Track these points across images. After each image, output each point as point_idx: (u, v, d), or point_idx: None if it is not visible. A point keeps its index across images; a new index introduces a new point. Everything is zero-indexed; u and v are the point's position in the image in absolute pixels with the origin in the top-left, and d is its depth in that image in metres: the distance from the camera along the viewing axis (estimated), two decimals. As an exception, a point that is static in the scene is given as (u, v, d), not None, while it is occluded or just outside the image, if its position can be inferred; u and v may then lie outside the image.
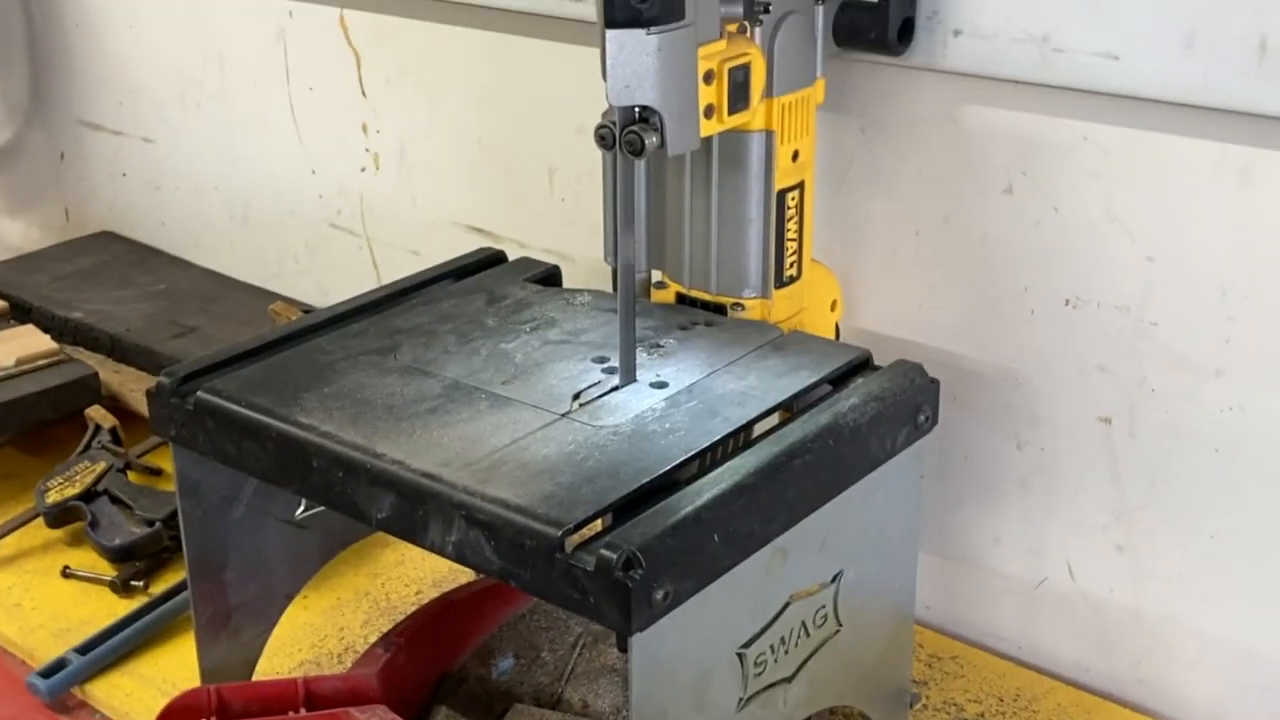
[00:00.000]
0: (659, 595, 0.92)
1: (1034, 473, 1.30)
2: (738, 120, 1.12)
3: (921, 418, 1.12)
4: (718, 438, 1.02)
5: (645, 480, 0.97)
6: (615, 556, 0.90)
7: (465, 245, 1.63)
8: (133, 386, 1.68)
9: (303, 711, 1.19)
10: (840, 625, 1.11)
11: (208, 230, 1.94)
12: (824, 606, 1.09)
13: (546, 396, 1.09)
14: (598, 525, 0.95)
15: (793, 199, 1.21)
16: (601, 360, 1.14)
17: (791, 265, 1.23)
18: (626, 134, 1.03)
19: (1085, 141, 1.18)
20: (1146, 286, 1.18)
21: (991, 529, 1.35)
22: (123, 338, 1.75)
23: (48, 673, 1.31)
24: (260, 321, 1.78)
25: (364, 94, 1.68)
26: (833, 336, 1.31)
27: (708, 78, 1.07)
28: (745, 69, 1.10)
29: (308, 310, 1.75)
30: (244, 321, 1.78)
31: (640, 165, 1.08)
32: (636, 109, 1.04)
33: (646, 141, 1.03)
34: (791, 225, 1.21)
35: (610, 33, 1.00)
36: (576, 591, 0.92)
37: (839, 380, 1.13)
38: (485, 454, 1.01)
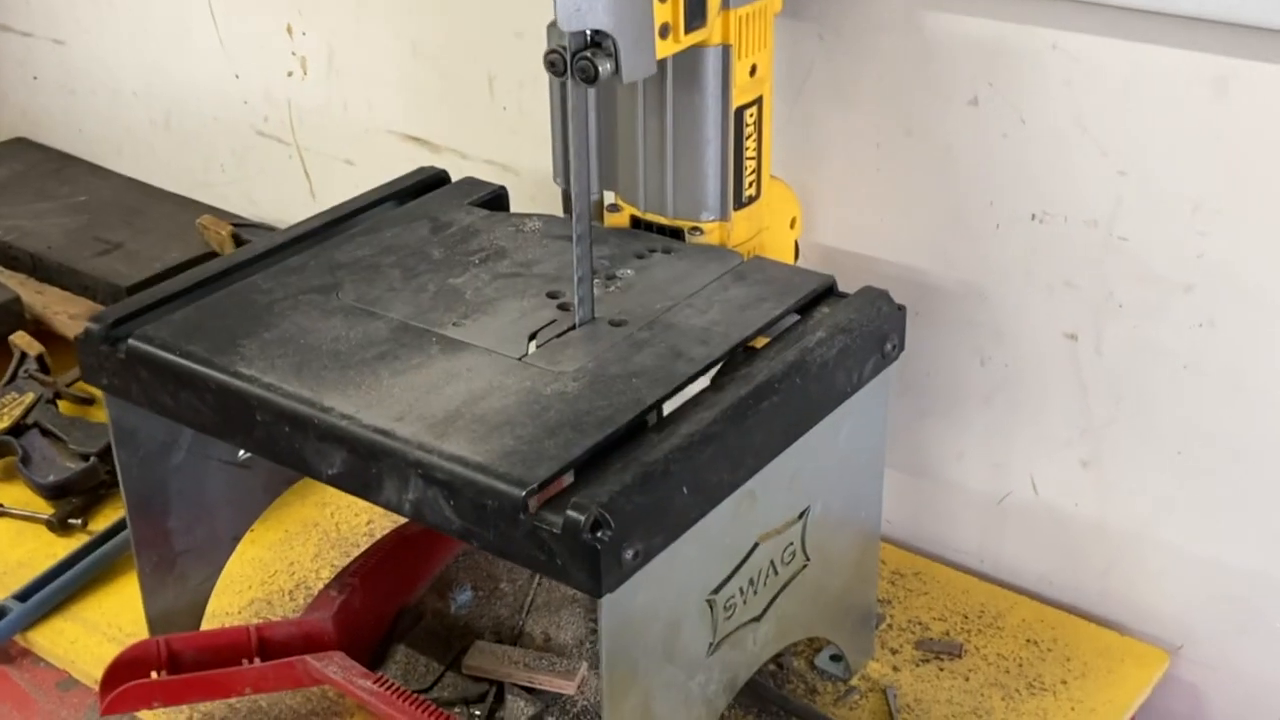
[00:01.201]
0: (628, 555, 0.88)
1: (998, 388, 1.27)
2: (696, 38, 1.06)
3: (889, 346, 1.08)
4: (682, 381, 0.98)
5: (610, 431, 0.93)
6: (583, 518, 0.86)
7: (401, 155, 1.57)
8: (58, 309, 1.61)
9: (257, 660, 1.16)
10: (808, 559, 1.08)
11: (127, 137, 1.85)
12: (792, 544, 1.06)
13: (500, 338, 1.04)
14: (562, 480, 0.92)
15: (751, 116, 1.15)
16: (555, 295, 1.09)
17: (750, 185, 1.18)
18: (579, 60, 0.97)
19: (1054, 50, 1.13)
20: (1116, 200, 1.15)
21: (955, 444, 1.32)
22: (44, 256, 1.67)
23: (-13, 622, 1.27)
24: (189, 235, 1.70)
25: (288, -7, 1.60)
26: (792, 255, 1.26)
27: (662, -4, 1.01)
28: (701, -17, 1.04)
29: (239, 223, 1.68)
30: (171, 235, 1.71)
31: (593, 92, 1.02)
32: (588, 33, 0.98)
33: (600, 68, 0.97)
34: (750, 144, 1.16)
35: (559, -47, 0.94)
36: (542, 553, 0.88)
37: (803, 310, 1.09)
38: (440, 406, 0.96)
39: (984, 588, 1.32)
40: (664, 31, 1.02)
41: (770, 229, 1.22)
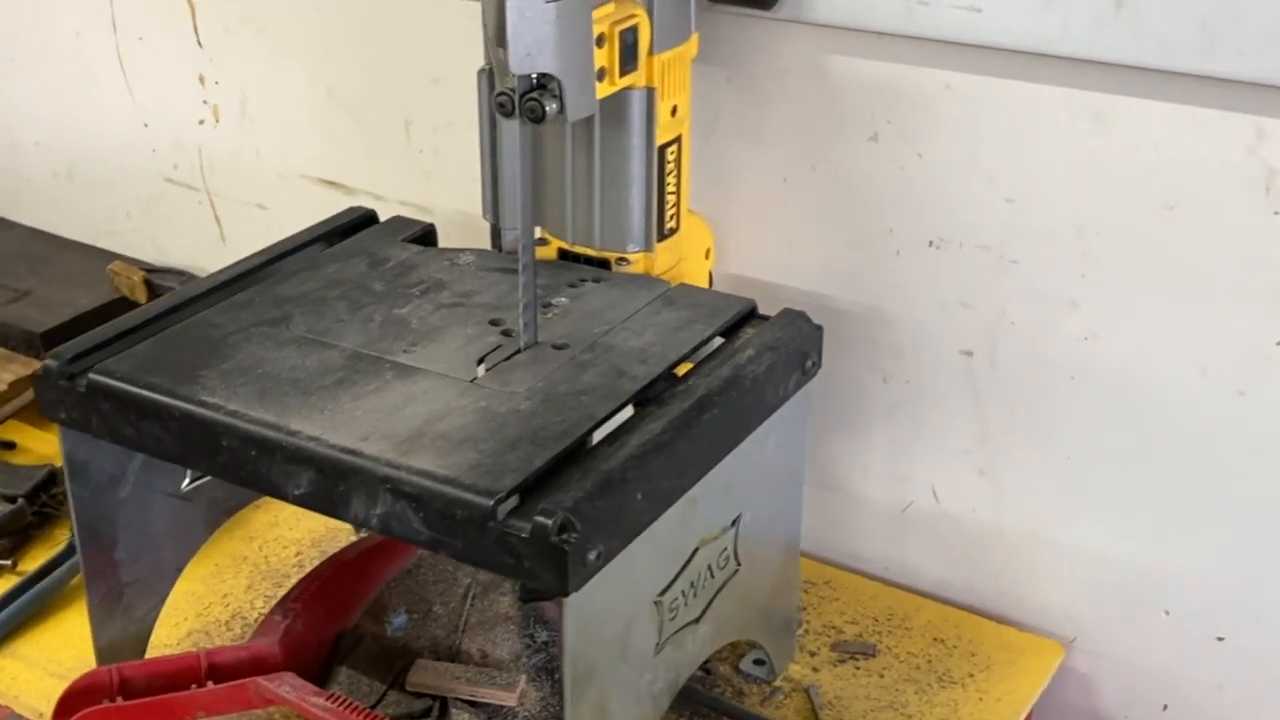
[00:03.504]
0: (592, 555, 0.95)
1: (900, 404, 1.37)
2: (627, 81, 1.14)
3: (809, 363, 1.17)
4: (628, 396, 1.05)
5: (568, 444, 1.00)
6: (551, 522, 0.92)
7: (316, 198, 1.62)
8: (-29, 356, 1.63)
9: (209, 685, 1.19)
10: (739, 564, 1.16)
11: (26, 187, 1.87)
12: (726, 549, 1.13)
13: (451, 363, 1.10)
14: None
15: (672, 153, 1.23)
16: (498, 323, 1.16)
17: (671, 218, 1.25)
18: (526, 101, 1.04)
19: (948, 90, 1.23)
20: (1006, 227, 1.25)
21: (860, 458, 1.41)
22: (-47, 305, 1.69)
23: (-74, 662, 1.28)
24: (98, 282, 1.73)
25: (200, 44, 1.64)
26: (707, 284, 1.34)
27: (599, 41, 1.09)
28: (634, 30, 1.12)
29: (150, 269, 1.71)
30: (80, 283, 1.73)
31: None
32: (534, 76, 1.05)
33: (547, 108, 1.04)
34: (671, 179, 1.24)
35: (510, 0, 1.01)
36: (511, 557, 0.94)
37: (728, 331, 1.17)
38: (403, 425, 1.02)
39: (891, 593, 1.41)
40: (600, 75, 1.10)
41: (688, 259, 1.30)
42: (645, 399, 1.07)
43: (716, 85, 1.33)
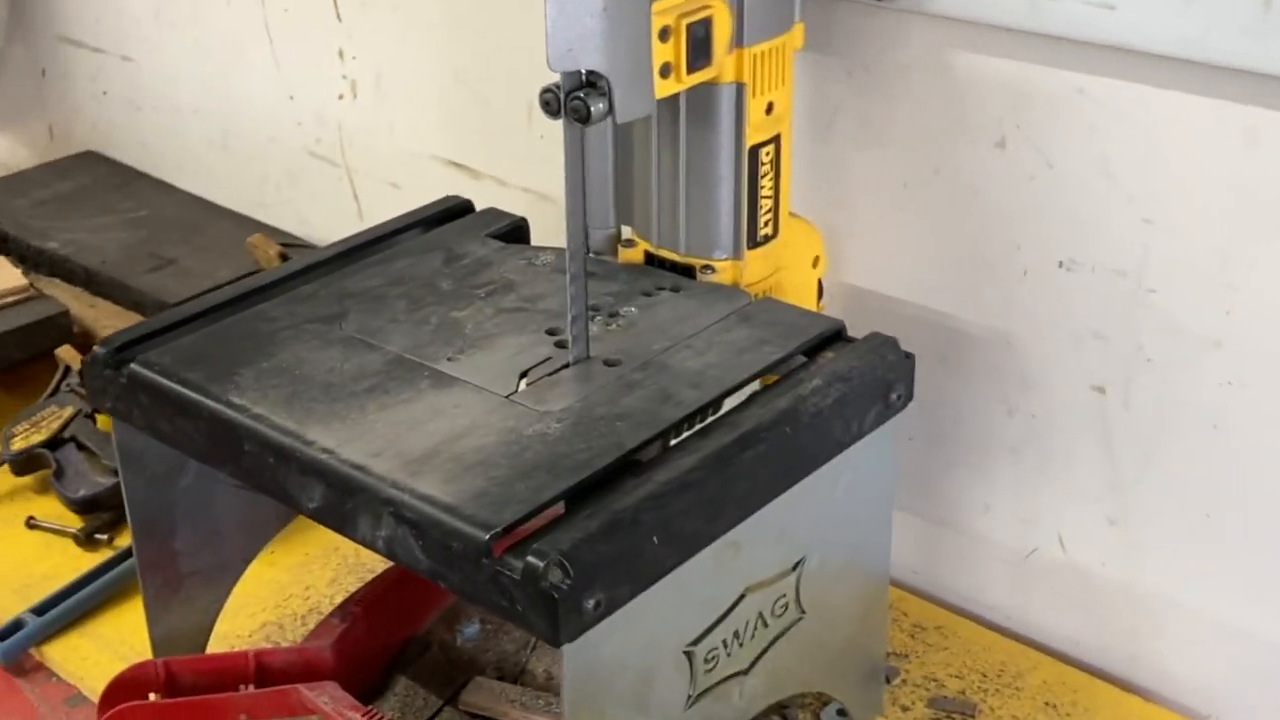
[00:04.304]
0: (590, 604, 0.86)
1: (1025, 440, 1.23)
2: (700, 78, 1.04)
3: (894, 396, 1.05)
4: (666, 425, 0.96)
5: (585, 476, 0.91)
6: (541, 564, 0.84)
7: (443, 180, 1.57)
8: (106, 323, 1.64)
9: (252, 687, 1.16)
10: (803, 612, 1.05)
11: (188, 154, 1.88)
12: (784, 595, 1.03)
13: (492, 375, 1.03)
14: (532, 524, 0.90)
15: (767, 154, 1.13)
16: (555, 332, 1.07)
17: (766, 224, 1.15)
18: (571, 100, 0.96)
19: (1080, 94, 1.09)
20: (1144, 250, 1.10)
21: (981, 495, 1.28)
22: (98, 270, 1.70)
23: (3, 634, 1.28)
24: (242, 254, 1.72)
25: (339, 18, 1.60)
26: (815, 294, 1.23)
27: (663, 35, 0.99)
28: (706, 23, 1.01)
29: (288, 243, 1.69)
30: (225, 254, 1.72)
31: (590, 131, 1.00)
32: (583, 72, 0.96)
33: (593, 109, 0.95)
34: (766, 182, 1.13)
35: (550, -9, 0.92)
36: (504, 598, 0.87)
37: (809, 354, 1.06)
38: (419, 443, 0.95)
39: (1006, 645, 1.27)
40: (665, 71, 1.00)
41: (790, 268, 1.19)
42: (687, 428, 0.97)
43: (835, 79, 1.22)
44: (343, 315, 1.11)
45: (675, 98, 1.09)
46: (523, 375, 1.02)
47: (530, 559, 0.85)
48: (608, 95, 0.96)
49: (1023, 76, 1.11)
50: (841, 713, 1.18)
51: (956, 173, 1.18)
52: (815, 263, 1.23)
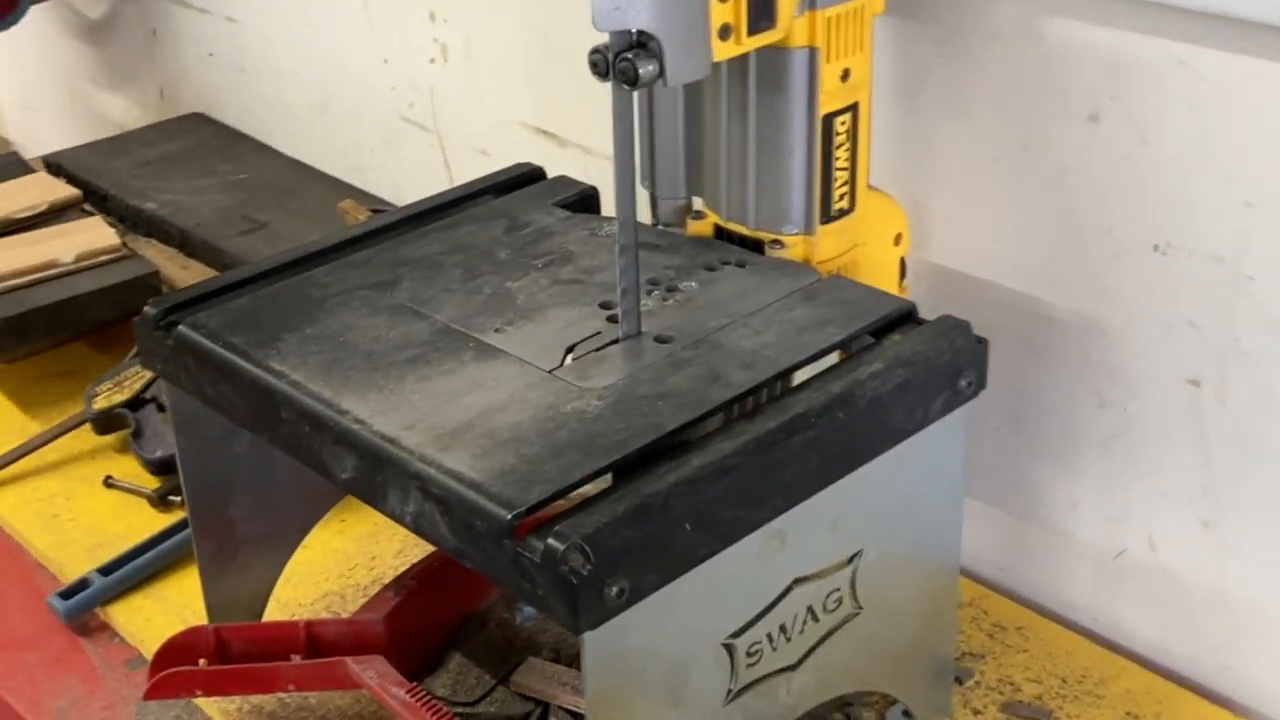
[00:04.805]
0: (612, 591, 0.82)
1: (1116, 434, 1.16)
2: (762, 40, 0.98)
3: (964, 383, 0.99)
4: (710, 407, 0.91)
5: (618, 457, 0.87)
6: (561, 548, 0.80)
7: (532, 147, 1.54)
8: (197, 285, 1.64)
9: (300, 657, 1.14)
10: (860, 607, 1.00)
11: (289, 117, 1.87)
12: (838, 589, 0.98)
13: (538, 349, 0.99)
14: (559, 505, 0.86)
15: (842, 124, 1.07)
16: (608, 306, 1.03)
17: (841, 198, 1.09)
18: (620, 62, 0.91)
19: (1181, 66, 1.01)
20: (1243, 235, 1.02)
21: (1069, 491, 1.21)
22: (192, 232, 1.70)
23: (68, 593, 1.28)
24: (333, 219, 1.71)
25: (431, -20, 1.58)
26: (896, 273, 1.17)
27: (722, -7, 0.94)
28: (769, -18, 0.96)
29: (378, 209, 1.68)
30: (316, 219, 1.71)
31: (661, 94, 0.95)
32: (634, 32, 0.92)
33: (642, 71, 0.91)
34: (841, 153, 1.08)
35: (595, -57, 0.88)
36: (525, 581, 0.83)
37: (878, 334, 1.00)
38: (453, 416, 0.92)
39: (1090, 649, 1.20)
40: (724, 33, 0.95)
41: (867, 245, 1.14)
42: (736, 410, 0.93)
43: (923, 46, 1.15)
44: (395, 282, 1.08)
45: (744, 61, 1.04)
46: (569, 350, 0.98)
47: (551, 541, 0.81)
48: (658, 57, 0.91)
49: (1119, 45, 1.04)
50: (907, 714, 1.13)
51: (1047, 148, 1.11)
52: (897, 240, 1.17)
